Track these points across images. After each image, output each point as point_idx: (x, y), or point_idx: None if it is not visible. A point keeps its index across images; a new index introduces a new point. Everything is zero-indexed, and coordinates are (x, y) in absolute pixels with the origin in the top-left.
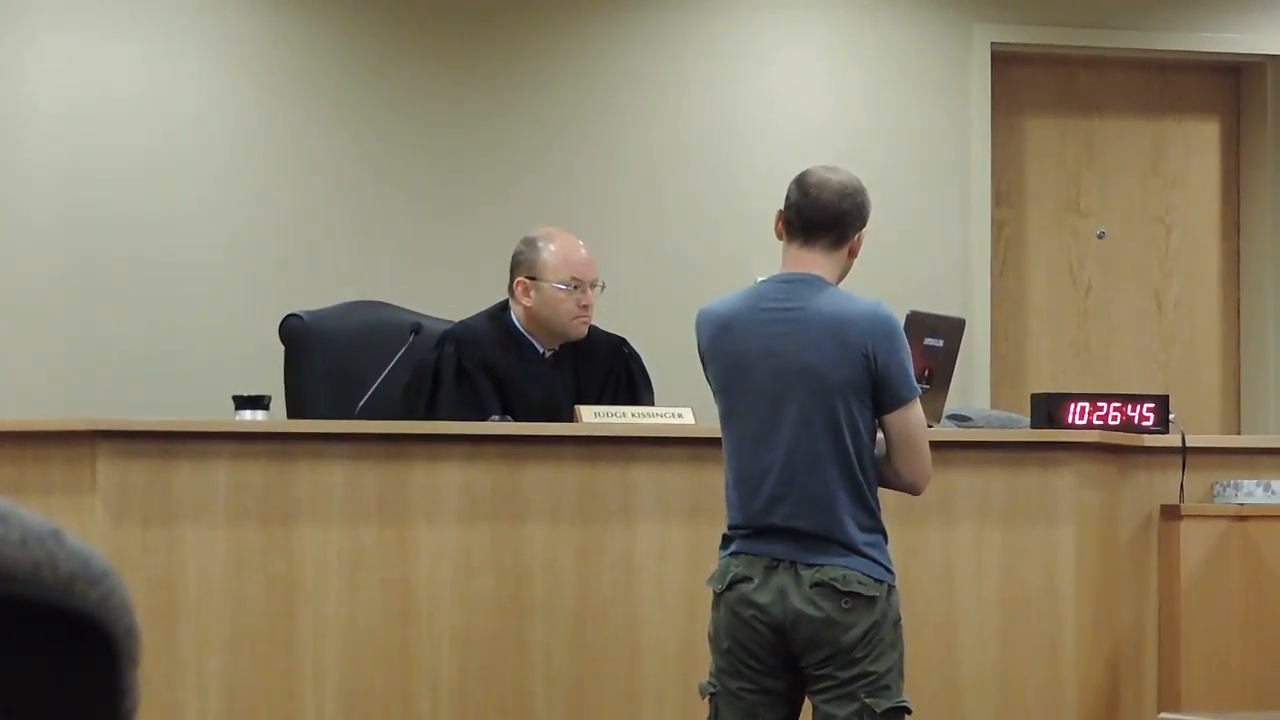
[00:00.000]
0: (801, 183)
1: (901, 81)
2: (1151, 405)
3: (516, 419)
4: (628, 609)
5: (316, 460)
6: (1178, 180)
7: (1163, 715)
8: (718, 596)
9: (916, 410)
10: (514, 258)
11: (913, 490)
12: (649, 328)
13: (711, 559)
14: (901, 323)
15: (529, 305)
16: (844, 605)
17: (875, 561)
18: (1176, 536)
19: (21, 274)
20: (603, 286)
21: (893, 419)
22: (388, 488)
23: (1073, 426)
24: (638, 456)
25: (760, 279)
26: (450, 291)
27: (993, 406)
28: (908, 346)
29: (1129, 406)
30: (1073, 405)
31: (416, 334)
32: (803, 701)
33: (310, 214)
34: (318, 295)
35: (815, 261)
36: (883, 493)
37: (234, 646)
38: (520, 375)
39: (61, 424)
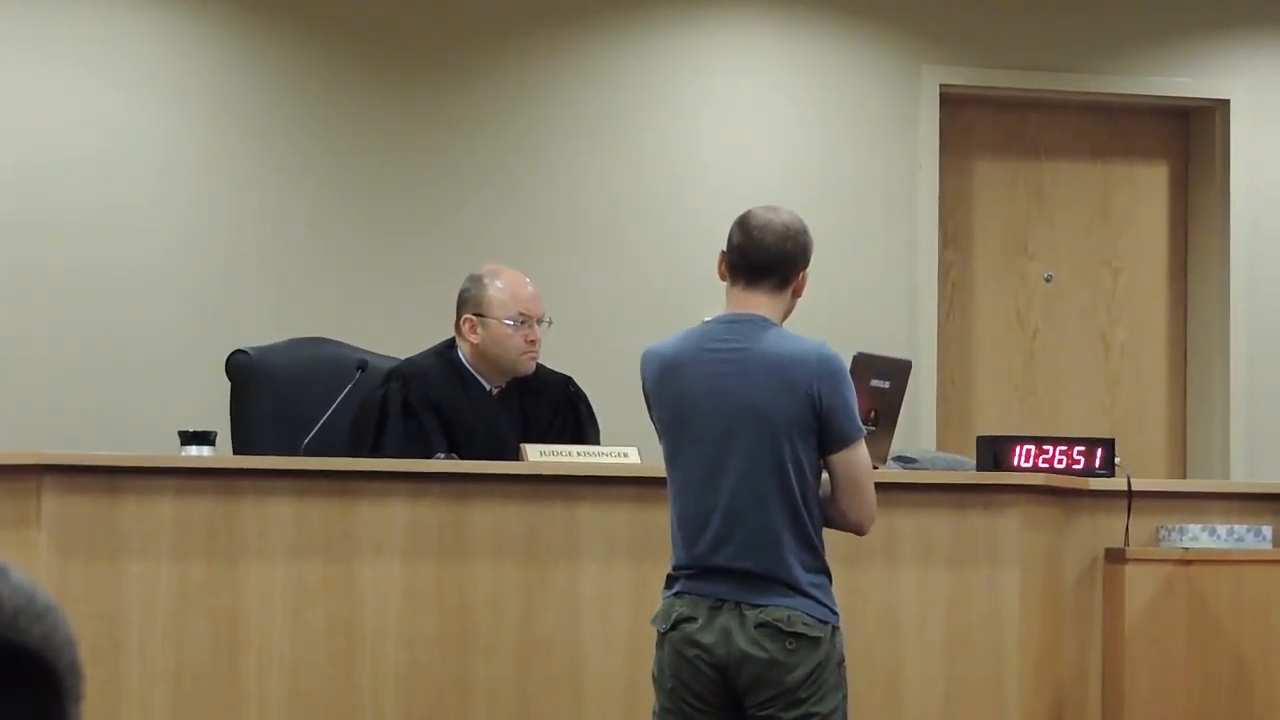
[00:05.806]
0: (744, 224)
1: (850, 122)
2: (1097, 449)
3: (462, 457)
4: (572, 648)
5: (262, 496)
6: (1126, 224)
7: None
8: (662, 636)
9: (861, 451)
10: (460, 295)
11: (857, 531)
12: (603, 364)
13: (656, 598)
14: (848, 364)
15: (476, 342)
16: (788, 646)
17: (820, 602)
18: (1121, 580)
19: None
20: (549, 323)
21: (838, 459)
22: (333, 524)
23: (1018, 469)
24: (583, 495)
25: (705, 319)
26: (398, 328)
27: (938, 448)
28: (853, 387)
29: (1075, 450)
30: (1018, 448)
31: (363, 371)
32: None
33: (259, 243)
34: (261, 318)
35: (760, 302)
36: (827, 533)
37: (178, 682)
38: (467, 413)
39: (7, 457)
